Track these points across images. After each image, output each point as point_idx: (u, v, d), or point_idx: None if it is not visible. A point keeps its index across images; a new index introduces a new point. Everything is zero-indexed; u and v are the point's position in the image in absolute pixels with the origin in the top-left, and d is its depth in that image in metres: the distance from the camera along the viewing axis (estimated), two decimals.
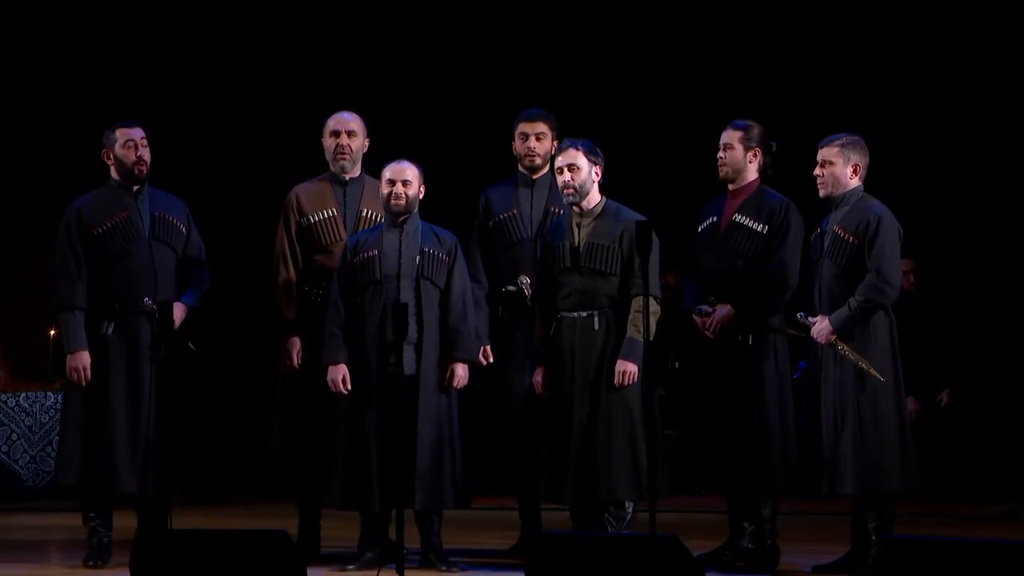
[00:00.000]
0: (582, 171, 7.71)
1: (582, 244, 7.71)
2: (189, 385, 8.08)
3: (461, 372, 7.77)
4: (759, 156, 7.88)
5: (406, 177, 7.78)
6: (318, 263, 8.11)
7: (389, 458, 7.54)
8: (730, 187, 7.90)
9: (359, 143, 8.23)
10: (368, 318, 7.73)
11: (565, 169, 7.72)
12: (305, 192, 8.22)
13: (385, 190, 7.80)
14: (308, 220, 8.14)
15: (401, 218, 7.79)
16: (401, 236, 7.78)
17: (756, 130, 7.87)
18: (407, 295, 7.70)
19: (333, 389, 7.73)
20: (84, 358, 7.88)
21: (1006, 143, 11.81)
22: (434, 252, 7.78)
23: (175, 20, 12.61)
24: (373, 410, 7.67)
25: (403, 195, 7.76)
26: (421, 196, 7.85)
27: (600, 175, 7.76)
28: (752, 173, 7.88)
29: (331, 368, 7.74)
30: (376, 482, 7.62)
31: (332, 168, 8.23)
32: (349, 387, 7.71)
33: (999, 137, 11.84)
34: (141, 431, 7.83)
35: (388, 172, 7.81)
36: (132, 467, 7.82)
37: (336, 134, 8.20)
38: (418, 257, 7.75)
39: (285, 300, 8.12)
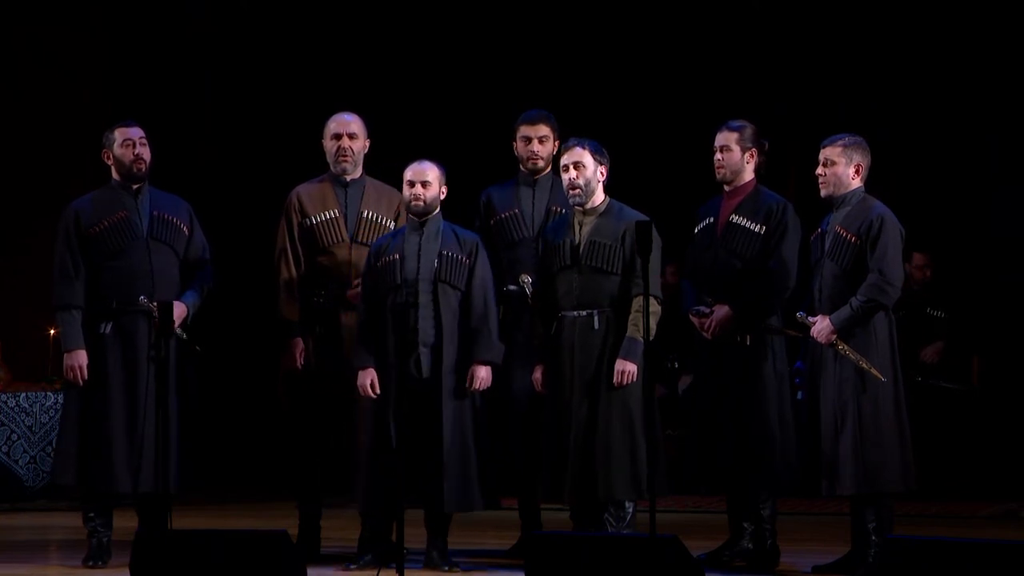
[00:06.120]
0: (587, 169, 7.69)
1: (583, 242, 7.70)
2: (193, 384, 8.07)
3: (483, 373, 7.72)
4: (755, 156, 7.88)
5: (426, 178, 7.75)
6: (319, 264, 8.10)
7: (407, 461, 7.52)
8: (726, 187, 7.90)
9: (360, 145, 8.22)
10: (389, 321, 7.70)
11: (571, 167, 7.71)
12: (306, 193, 8.21)
13: (406, 192, 7.78)
14: (310, 221, 8.13)
15: (422, 219, 7.77)
16: (421, 239, 7.76)
17: (750, 130, 7.87)
18: (425, 298, 7.68)
19: (362, 393, 7.70)
20: (80, 357, 7.87)
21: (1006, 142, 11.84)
22: (453, 255, 7.74)
23: (176, 20, 12.62)
24: (392, 413, 7.66)
25: (422, 196, 7.73)
26: (443, 197, 7.82)
27: (605, 175, 7.75)
28: (749, 173, 7.88)
29: (360, 372, 7.71)
30: (395, 485, 7.57)
31: (333, 170, 8.22)
32: (378, 391, 7.69)
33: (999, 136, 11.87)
34: (138, 430, 7.82)
35: (408, 173, 7.78)
36: (128, 466, 7.80)
37: (337, 137, 8.19)
38: (436, 260, 7.73)
39: (287, 299, 8.10)
